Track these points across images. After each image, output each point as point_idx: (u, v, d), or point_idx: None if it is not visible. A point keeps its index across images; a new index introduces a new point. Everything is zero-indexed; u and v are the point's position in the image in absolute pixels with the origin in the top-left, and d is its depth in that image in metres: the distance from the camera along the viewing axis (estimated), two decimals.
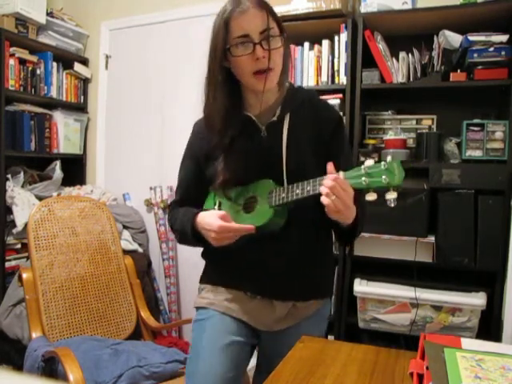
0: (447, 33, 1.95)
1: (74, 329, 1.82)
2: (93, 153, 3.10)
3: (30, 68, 2.69)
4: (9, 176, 2.59)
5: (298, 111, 1.13)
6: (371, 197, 0.92)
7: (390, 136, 2.07)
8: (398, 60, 2.02)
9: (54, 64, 2.83)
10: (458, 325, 1.83)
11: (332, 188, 0.91)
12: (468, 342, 0.87)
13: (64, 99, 2.93)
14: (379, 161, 0.92)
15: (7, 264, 2.54)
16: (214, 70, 1.07)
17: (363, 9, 2.04)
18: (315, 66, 2.17)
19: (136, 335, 1.98)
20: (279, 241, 1.10)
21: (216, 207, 1.16)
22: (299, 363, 0.92)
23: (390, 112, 2.23)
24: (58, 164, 2.86)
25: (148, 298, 2.39)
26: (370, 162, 0.92)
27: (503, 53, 1.81)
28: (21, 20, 2.63)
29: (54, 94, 2.84)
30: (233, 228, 1.03)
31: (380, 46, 2.03)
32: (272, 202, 1.05)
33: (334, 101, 2.07)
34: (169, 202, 2.80)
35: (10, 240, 2.55)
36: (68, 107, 2.97)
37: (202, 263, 1.28)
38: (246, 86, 1.10)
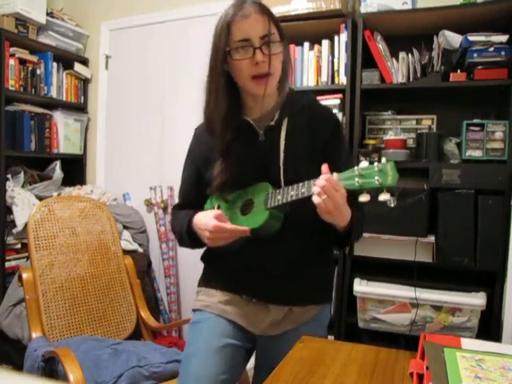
0: (447, 33, 1.95)
1: (74, 329, 1.82)
2: (93, 153, 3.11)
3: (30, 68, 2.69)
4: (9, 176, 2.59)
5: (296, 116, 1.13)
6: (364, 198, 0.91)
7: (389, 136, 2.07)
8: (397, 60, 2.02)
9: (54, 64, 2.83)
10: (457, 325, 1.83)
11: (324, 187, 0.91)
12: (468, 342, 0.87)
13: (64, 99, 2.93)
14: (375, 161, 0.92)
15: (7, 264, 2.54)
16: (216, 72, 1.08)
17: (363, 9, 2.05)
18: (315, 66, 2.17)
19: (136, 335, 1.98)
20: (277, 243, 1.10)
21: (215, 209, 1.17)
22: (299, 363, 0.92)
23: (389, 112, 2.23)
24: (58, 164, 2.86)
25: (148, 297, 2.39)
26: (364, 164, 0.92)
27: (503, 53, 1.81)
28: (21, 20, 2.63)
29: (54, 94, 2.84)
30: (227, 228, 1.03)
31: (380, 46, 2.03)
32: (268, 204, 1.05)
33: (333, 101, 2.07)
34: (169, 202, 2.80)
35: (10, 240, 2.55)
36: (68, 107, 2.97)
37: (202, 263, 1.28)
38: (244, 89, 1.10)
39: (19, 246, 2.60)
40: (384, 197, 0.89)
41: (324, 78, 2.15)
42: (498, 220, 1.81)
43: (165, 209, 2.81)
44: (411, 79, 2.02)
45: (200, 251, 1.25)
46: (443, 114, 2.16)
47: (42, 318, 1.75)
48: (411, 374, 0.79)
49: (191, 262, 2.68)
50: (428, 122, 2.19)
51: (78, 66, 2.97)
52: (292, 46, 2.17)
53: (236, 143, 1.11)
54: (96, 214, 2.07)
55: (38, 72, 2.74)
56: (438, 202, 1.90)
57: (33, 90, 2.71)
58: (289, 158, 1.09)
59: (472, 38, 1.84)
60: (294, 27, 2.08)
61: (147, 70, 2.92)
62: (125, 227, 2.70)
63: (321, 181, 0.92)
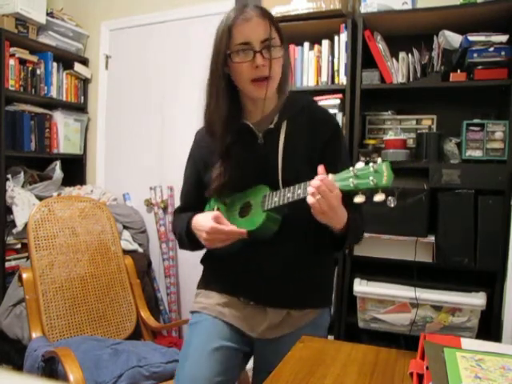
0: (447, 33, 1.95)
1: (74, 329, 1.82)
2: (93, 153, 3.11)
3: (30, 68, 2.69)
4: (9, 176, 2.59)
5: (295, 118, 1.13)
6: (359, 199, 0.90)
7: (389, 136, 2.07)
8: (397, 60, 2.02)
9: (54, 64, 2.83)
10: (457, 325, 1.83)
11: (318, 188, 0.91)
12: (468, 342, 0.87)
13: (64, 99, 2.94)
14: (371, 162, 0.91)
15: (7, 264, 2.54)
16: (216, 75, 1.08)
17: (363, 9, 2.04)
18: (315, 66, 2.17)
19: (136, 335, 1.98)
20: (274, 244, 1.10)
21: (214, 211, 1.17)
22: (299, 363, 0.92)
23: (389, 112, 2.23)
24: (58, 164, 2.86)
25: (148, 297, 2.39)
26: (360, 164, 0.91)
27: (503, 53, 1.81)
28: (21, 20, 2.63)
29: (54, 94, 2.84)
30: (224, 230, 1.03)
31: (380, 46, 2.03)
32: (265, 206, 1.06)
33: (333, 101, 2.07)
34: (169, 202, 2.80)
35: (10, 240, 2.55)
36: (68, 107, 2.97)
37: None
38: (244, 93, 1.11)
39: (19, 246, 2.61)
40: (379, 197, 0.89)
41: (324, 78, 2.15)
42: (498, 220, 1.81)
43: (165, 209, 2.81)
44: (411, 79, 2.02)
45: (200, 253, 1.25)
46: (443, 114, 2.16)
47: (42, 318, 1.75)
48: (411, 374, 0.79)
49: (191, 262, 2.68)
50: (428, 122, 2.19)
51: (78, 66, 2.97)
52: (292, 46, 2.17)
53: (235, 147, 1.12)
54: (96, 214, 2.07)
55: (38, 72, 2.74)
56: (437, 202, 1.90)
57: (33, 90, 2.71)
58: (287, 160, 1.10)
59: (472, 38, 1.84)
60: (293, 27, 2.08)
61: (147, 70, 2.92)
62: (125, 227, 2.70)
63: (315, 181, 0.92)
